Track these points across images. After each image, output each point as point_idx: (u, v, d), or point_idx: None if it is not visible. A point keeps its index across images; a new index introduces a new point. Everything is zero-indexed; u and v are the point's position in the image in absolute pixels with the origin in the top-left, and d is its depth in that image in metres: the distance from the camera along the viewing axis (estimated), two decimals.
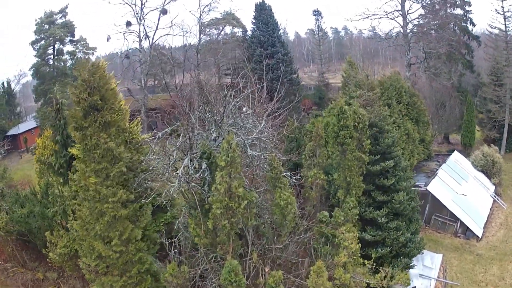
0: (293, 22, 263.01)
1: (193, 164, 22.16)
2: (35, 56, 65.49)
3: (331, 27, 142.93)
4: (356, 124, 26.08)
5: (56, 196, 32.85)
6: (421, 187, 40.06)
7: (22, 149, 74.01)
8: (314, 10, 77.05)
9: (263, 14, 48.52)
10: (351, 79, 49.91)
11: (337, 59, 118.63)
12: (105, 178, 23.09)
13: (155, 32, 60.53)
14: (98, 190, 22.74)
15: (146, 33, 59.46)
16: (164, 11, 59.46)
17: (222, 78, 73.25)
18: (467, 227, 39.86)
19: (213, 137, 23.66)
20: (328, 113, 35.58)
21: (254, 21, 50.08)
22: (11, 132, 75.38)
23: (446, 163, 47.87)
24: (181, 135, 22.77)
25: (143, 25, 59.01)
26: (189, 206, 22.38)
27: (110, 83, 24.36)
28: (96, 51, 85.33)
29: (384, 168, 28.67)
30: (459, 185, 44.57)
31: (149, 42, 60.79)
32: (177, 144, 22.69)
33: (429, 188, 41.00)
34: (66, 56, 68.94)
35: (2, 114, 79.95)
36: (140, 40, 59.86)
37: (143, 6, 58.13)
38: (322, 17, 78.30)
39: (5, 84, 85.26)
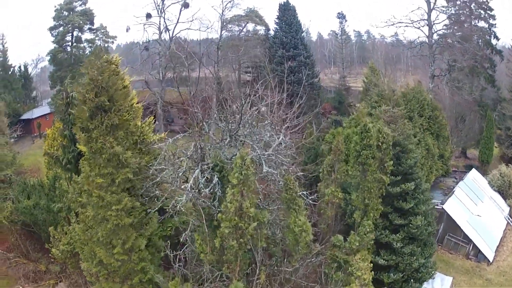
0: (316, 22, 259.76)
1: (204, 176, 20.62)
2: (52, 42, 64.30)
3: (354, 30, 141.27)
4: (380, 144, 24.40)
5: (63, 191, 31.75)
6: (437, 206, 38.36)
7: (35, 134, 73.00)
8: (338, 13, 75.32)
9: (287, 15, 46.59)
10: (373, 86, 49.04)
11: (358, 62, 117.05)
12: (110, 184, 21.75)
13: (176, 25, 59.00)
14: (102, 196, 21.42)
15: (166, 26, 57.95)
16: (185, 5, 57.82)
17: (242, 75, 72.13)
18: (479, 250, 38.24)
19: (226, 147, 22.00)
20: (349, 124, 33.88)
21: (277, 21, 48.06)
22: (25, 116, 74.29)
23: (463, 181, 46.01)
24: (193, 144, 21.15)
25: (164, 17, 57.48)
26: (196, 219, 20.87)
27: (120, 82, 22.96)
28: (116, 40, 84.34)
29: (404, 190, 27.02)
30: (475, 205, 42.77)
31: (169, 35, 59.24)
32: (188, 153, 21.09)
33: (446, 207, 39.33)
34: (85, 44, 67.18)
35: (17, 97, 78.99)
36: (160, 33, 58.33)
37: None
38: (346, 20, 76.50)
39: (22, 68, 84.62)
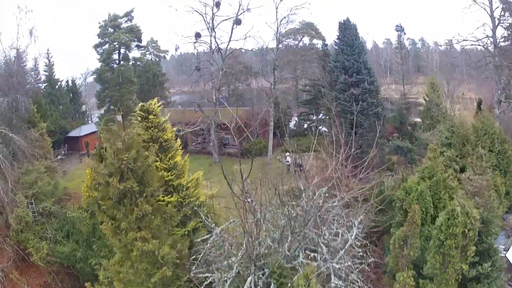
0: (370, 28, 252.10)
1: (258, 285, 15.77)
2: (98, 60, 61.27)
3: (408, 38, 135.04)
4: (467, 231, 18.92)
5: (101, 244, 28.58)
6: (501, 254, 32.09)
7: (83, 152, 70.55)
8: (397, 26, 68.91)
9: (348, 34, 40.81)
10: (434, 106, 45.92)
11: (413, 71, 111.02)
12: (145, 279, 17.36)
13: (228, 44, 54.61)
14: None
15: (218, 45, 53.35)
16: (238, 22, 53.32)
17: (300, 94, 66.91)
18: None
19: (288, 248, 16.96)
20: (421, 173, 28.20)
21: (337, 41, 42.12)
22: (73, 133, 71.99)
23: None
24: (244, 242, 16.21)
25: (215, 37, 52.99)
26: None
27: (152, 158, 18.38)
28: (167, 54, 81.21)
29: (481, 273, 21.47)
30: None
31: (221, 55, 54.41)
32: (239, 254, 16.23)
33: (509, 255, 32.89)
34: (132, 62, 63.39)
35: (65, 113, 76.78)
36: (212, 53, 53.92)
37: (214, 15, 52.20)
38: (404, 33, 69.91)
39: (70, 82, 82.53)
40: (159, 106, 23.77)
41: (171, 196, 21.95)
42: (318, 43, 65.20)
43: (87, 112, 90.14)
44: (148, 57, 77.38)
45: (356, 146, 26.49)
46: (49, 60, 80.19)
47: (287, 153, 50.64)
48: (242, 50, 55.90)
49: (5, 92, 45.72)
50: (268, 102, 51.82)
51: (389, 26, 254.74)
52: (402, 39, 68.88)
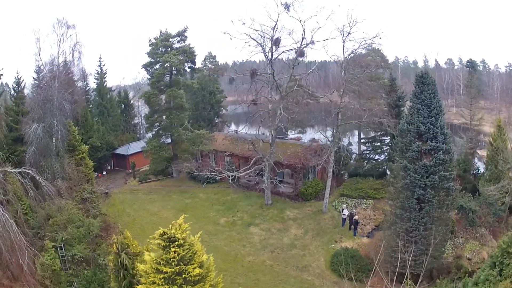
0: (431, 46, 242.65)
1: None
2: (148, 83, 56.80)
3: (469, 60, 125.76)
4: None
5: None
6: None
7: (129, 171, 67.32)
8: (468, 61, 60.63)
9: (426, 91, 33.88)
10: (501, 157, 41.59)
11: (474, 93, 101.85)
12: None
13: (289, 80, 48.21)
14: None
15: (275, 81, 46.73)
16: (301, 54, 46.75)
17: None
18: None
19: None
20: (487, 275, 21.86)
21: (413, 99, 34.97)
22: (120, 151, 68.78)
23: None
24: None
25: (273, 74, 46.38)
26: None
27: None
28: (226, 73, 76.33)
29: None
30: None
31: (280, 92, 47.74)
32: None
33: None
34: (183, 88, 57.96)
35: (115, 125, 73.45)
36: (270, 88, 47.58)
37: (273, 51, 45.92)
38: (475, 71, 61.19)
39: (122, 93, 78.97)
40: (186, 229, 18.75)
41: None
42: (384, 73, 58.55)
43: (139, 125, 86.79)
44: (204, 72, 72.63)
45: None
46: (101, 69, 77.07)
47: (345, 206, 46.35)
48: (302, 86, 49.46)
49: (41, 117, 42.74)
50: (328, 153, 45.92)
51: (452, 43, 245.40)
52: (472, 79, 60.14)
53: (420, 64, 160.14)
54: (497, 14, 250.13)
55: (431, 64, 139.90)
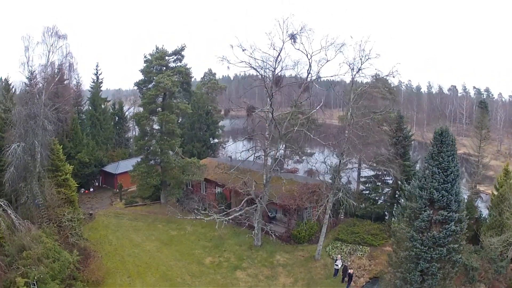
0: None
1: None
2: (139, 105, 52.38)
3: (474, 87, 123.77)
4: None
5: None
6: None
7: (117, 190, 63.09)
8: (481, 102, 56.17)
9: (444, 152, 29.18)
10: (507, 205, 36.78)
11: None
12: None
13: (289, 118, 43.96)
14: None
15: (274, 120, 42.24)
16: (306, 89, 42.60)
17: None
18: None
19: None
20: None
21: (429, 160, 29.97)
22: (108, 168, 64.64)
23: None
24: None
25: (272, 113, 41.76)
26: None
27: None
28: (226, 91, 71.89)
29: None
30: None
31: (279, 132, 43.17)
32: None
33: None
34: (177, 112, 53.78)
35: (107, 138, 68.96)
36: (267, 124, 43.17)
37: (272, 92, 41.47)
38: (487, 111, 56.60)
39: (117, 105, 74.32)
40: None
41: None
42: (391, 108, 54.07)
43: (132, 139, 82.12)
44: (203, 93, 68.08)
45: None
46: (97, 77, 72.63)
47: (339, 256, 42.16)
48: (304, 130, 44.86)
49: (22, 136, 38.97)
50: (326, 201, 41.56)
51: (456, 70, 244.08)
52: (484, 120, 55.47)
53: (424, 89, 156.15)
54: (503, 43, 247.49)
55: (435, 90, 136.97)
